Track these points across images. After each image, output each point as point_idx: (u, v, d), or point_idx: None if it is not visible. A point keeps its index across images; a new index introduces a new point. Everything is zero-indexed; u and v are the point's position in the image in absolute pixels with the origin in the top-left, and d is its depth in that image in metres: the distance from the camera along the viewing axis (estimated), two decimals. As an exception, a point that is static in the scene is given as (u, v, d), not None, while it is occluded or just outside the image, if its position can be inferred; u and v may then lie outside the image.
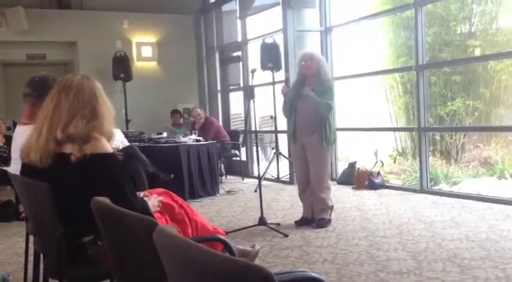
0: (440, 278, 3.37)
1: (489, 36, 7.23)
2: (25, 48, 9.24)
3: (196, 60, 10.30)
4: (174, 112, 9.36)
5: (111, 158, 2.35)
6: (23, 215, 4.96)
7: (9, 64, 9.27)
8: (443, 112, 7.54)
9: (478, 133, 7.60)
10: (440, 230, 4.64)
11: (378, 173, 7.14)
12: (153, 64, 9.92)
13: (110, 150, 2.36)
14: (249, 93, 6.87)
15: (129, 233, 1.67)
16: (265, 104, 8.49)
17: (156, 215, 2.63)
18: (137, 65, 9.69)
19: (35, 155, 2.34)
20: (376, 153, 7.54)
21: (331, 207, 5.09)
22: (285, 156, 7.84)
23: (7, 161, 5.49)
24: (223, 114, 10.17)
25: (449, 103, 7.51)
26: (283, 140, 7.78)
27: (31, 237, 3.07)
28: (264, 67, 7.86)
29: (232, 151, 8.85)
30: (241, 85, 9.52)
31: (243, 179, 8.51)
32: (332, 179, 6.90)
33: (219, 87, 10.15)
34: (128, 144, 6.61)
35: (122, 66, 9.15)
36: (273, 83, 8.01)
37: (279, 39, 8.03)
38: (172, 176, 6.53)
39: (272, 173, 8.08)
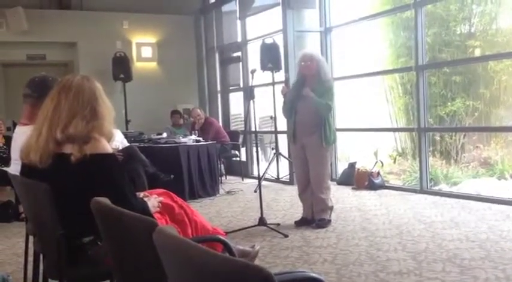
0: (440, 278, 3.37)
1: (489, 36, 7.24)
2: (25, 49, 9.24)
3: (196, 61, 10.30)
4: (174, 113, 9.36)
5: (111, 158, 2.35)
6: (23, 215, 4.96)
7: (9, 64, 9.28)
8: (443, 112, 7.54)
9: (478, 133, 7.60)
10: (440, 230, 4.64)
11: (378, 173, 7.14)
12: (153, 64, 9.92)
13: (110, 150, 2.36)
14: (248, 94, 6.88)
15: (129, 233, 1.68)
16: (265, 104, 8.49)
17: (156, 215, 2.63)
18: (137, 65, 9.69)
19: (35, 156, 2.34)
20: (376, 154, 7.55)
21: (331, 208, 5.09)
22: (284, 157, 7.84)
23: (7, 161, 5.49)
24: (223, 114, 10.17)
25: (449, 103, 7.51)
26: (283, 141, 7.78)
27: (31, 238, 3.07)
28: (263, 67, 7.86)
29: (232, 151, 8.85)
30: (241, 85, 9.53)
31: (242, 180, 8.51)
32: (332, 180, 6.90)
33: (219, 88, 10.15)
34: (128, 144, 6.61)
35: (121, 67, 9.15)
36: (273, 84, 8.01)
37: (279, 39, 8.03)
38: (172, 176, 6.53)
39: (272, 173, 8.08)
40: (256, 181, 6.76)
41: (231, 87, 10.07)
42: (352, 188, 7.16)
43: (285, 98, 5.11)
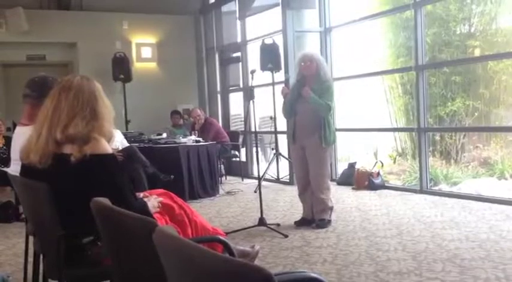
0: (440, 278, 3.37)
1: (489, 36, 7.24)
2: (25, 49, 9.25)
3: (195, 61, 10.31)
4: (174, 113, 9.36)
5: (110, 158, 2.35)
6: (23, 215, 4.96)
7: (9, 65, 9.28)
8: (443, 112, 7.54)
9: (477, 133, 7.60)
10: (440, 230, 4.64)
11: (378, 173, 7.13)
12: (153, 65, 9.92)
13: (110, 150, 2.36)
14: (248, 94, 6.88)
15: (128, 233, 1.67)
16: (264, 104, 8.49)
17: (156, 215, 2.63)
18: (137, 65, 9.69)
19: (35, 156, 2.34)
20: (376, 154, 7.55)
21: (331, 208, 5.09)
22: (284, 157, 7.84)
23: (7, 161, 5.49)
24: (223, 115, 10.18)
25: (449, 103, 7.51)
26: (282, 141, 7.78)
27: (31, 238, 3.07)
28: (263, 68, 7.86)
29: (232, 152, 8.85)
30: (241, 86, 9.53)
31: (242, 180, 8.51)
32: (332, 180, 6.89)
33: (218, 88, 10.15)
34: (128, 145, 6.61)
35: (121, 67, 9.15)
36: (273, 84, 8.01)
37: (279, 39, 8.03)
38: (172, 176, 6.53)
39: (272, 173, 8.08)
40: (256, 181, 6.76)
41: (230, 88, 10.07)
42: (352, 188, 7.16)
43: (285, 98, 5.11)
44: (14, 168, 2.98)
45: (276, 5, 8.18)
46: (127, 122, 9.06)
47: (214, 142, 7.81)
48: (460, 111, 7.44)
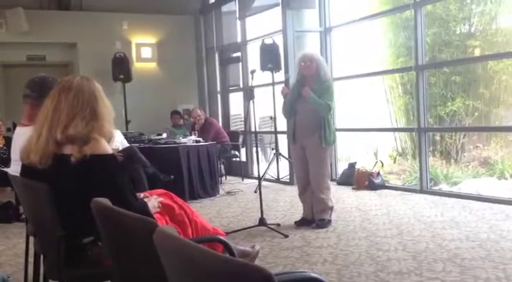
0: (440, 278, 3.37)
1: (489, 36, 7.24)
2: (25, 50, 9.24)
3: (195, 61, 10.31)
4: (174, 113, 9.36)
5: (111, 158, 2.35)
6: (23, 216, 4.96)
7: (9, 65, 9.28)
8: (443, 112, 7.54)
9: (477, 133, 7.60)
10: (440, 230, 4.64)
11: (378, 173, 7.13)
12: (153, 65, 9.93)
13: (110, 151, 2.36)
14: (248, 94, 6.88)
15: (129, 234, 1.67)
16: (264, 104, 8.49)
17: (156, 215, 2.63)
18: (137, 66, 9.69)
19: (35, 156, 2.34)
20: (376, 154, 7.55)
21: (331, 208, 5.09)
22: (284, 157, 7.84)
23: (7, 162, 5.49)
24: (223, 115, 10.18)
25: (449, 103, 7.51)
26: (283, 141, 7.78)
27: (31, 239, 3.07)
28: (263, 68, 7.86)
29: (232, 152, 8.85)
30: (241, 86, 9.53)
31: (242, 180, 8.51)
32: (332, 180, 6.90)
33: (218, 88, 10.15)
34: (128, 145, 6.61)
35: (121, 67, 9.15)
36: (273, 84, 8.01)
37: (279, 39, 8.03)
38: (172, 177, 6.53)
39: (272, 173, 8.08)
40: (256, 181, 6.76)
41: (230, 88, 10.07)
42: (352, 188, 7.16)
43: (285, 98, 5.11)
44: (14, 169, 2.98)
45: (276, 5, 8.18)
46: (127, 122, 9.06)
47: (214, 142, 7.81)
48: (460, 111, 7.44)
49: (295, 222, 5.11)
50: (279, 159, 8.03)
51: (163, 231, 1.28)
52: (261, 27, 8.99)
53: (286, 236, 4.64)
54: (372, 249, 4.11)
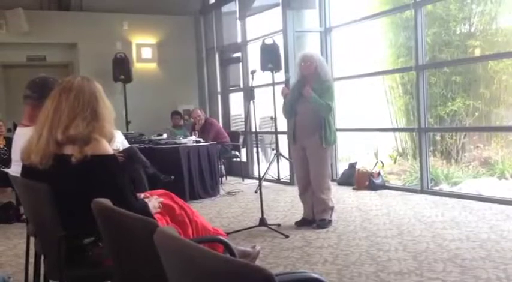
0: (441, 278, 3.37)
1: (489, 36, 7.24)
2: (25, 50, 9.25)
3: (196, 62, 10.31)
4: (174, 113, 9.36)
5: (111, 159, 2.35)
6: (24, 216, 4.96)
7: (9, 66, 9.28)
8: (444, 112, 7.54)
9: (478, 133, 7.60)
10: (440, 230, 4.64)
11: (379, 173, 7.13)
12: (153, 65, 9.93)
13: (111, 151, 2.36)
14: (249, 94, 6.88)
15: (129, 234, 1.68)
16: (265, 105, 8.49)
17: (157, 216, 2.63)
18: (137, 66, 9.69)
19: (36, 157, 2.34)
20: (376, 154, 7.54)
21: (332, 208, 5.09)
22: (285, 157, 7.84)
23: (7, 162, 5.49)
24: (224, 115, 10.18)
25: (449, 103, 7.51)
26: (283, 141, 7.78)
27: (32, 239, 3.07)
28: (263, 68, 7.86)
29: (233, 152, 8.85)
30: (241, 86, 9.53)
31: (243, 180, 8.51)
32: (332, 180, 6.90)
33: (219, 89, 10.16)
34: (128, 145, 6.61)
35: (122, 68, 9.15)
36: (273, 84, 8.01)
37: (279, 40, 8.03)
38: (172, 177, 6.54)
39: (272, 174, 8.08)
40: (256, 182, 6.76)
41: (231, 88, 10.07)
42: (353, 189, 7.15)
43: (285, 98, 5.11)
44: (14, 169, 2.98)
45: (276, 5, 8.18)
46: (127, 122, 9.07)
47: (215, 142, 7.80)
48: (460, 111, 7.44)
49: (296, 223, 5.11)
50: (280, 160, 8.03)
51: (163, 232, 1.28)
52: (261, 27, 8.99)
53: (287, 236, 4.64)
54: (373, 250, 4.11)
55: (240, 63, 9.55)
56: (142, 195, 2.75)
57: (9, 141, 5.97)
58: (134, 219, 1.63)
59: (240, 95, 9.64)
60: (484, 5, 7.34)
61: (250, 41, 9.23)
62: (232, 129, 9.88)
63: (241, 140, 9.02)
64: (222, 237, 2.49)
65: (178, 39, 9.97)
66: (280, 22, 8.04)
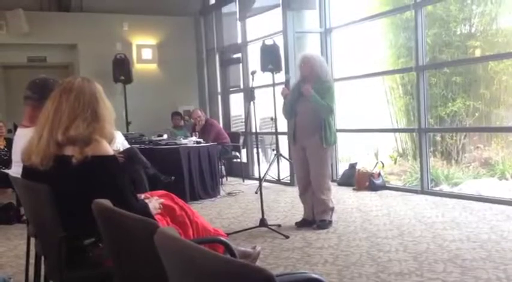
0: (441, 279, 3.37)
1: (489, 37, 7.24)
2: (26, 51, 9.25)
3: (196, 62, 10.31)
4: (175, 114, 9.37)
5: (112, 160, 2.35)
6: (24, 217, 4.96)
7: (9, 67, 9.28)
8: (444, 113, 7.54)
9: (478, 134, 7.60)
10: (441, 230, 4.64)
11: (379, 174, 7.13)
12: (153, 66, 9.93)
13: (111, 152, 2.36)
14: (249, 95, 6.88)
15: (130, 235, 1.68)
16: (265, 105, 8.49)
17: (157, 217, 2.63)
18: (137, 67, 9.70)
19: (36, 158, 2.34)
20: (376, 155, 7.54)
21: (332, 209, 5.09)
22: (285, 158, 7.84)
23: (8, 163, 5.49)
24: (224, 116, 10.18)
25: (449, 104, 7.51)
26: (283, 142, 7.78)
27: (32, 240, 3.08)
28: (264, 69, 7.86)
29: (233, 153, 8.85)
30: (242, 87, 9.53)
31: (243, 181, 8.51)
32: (333, 180, 6.90)
33: (219, 89, 10.16)
34: (129, 146, 6.61)
35: (122, 69, 9.16)
36: (273, 85, 8.01)
37: (279, 40, 8.03)
38: (173, 178, 6.53)
39: (273, 174, 8.08)
40: (257, 182, 6.76)
41: (231, 89, 10.07)
42: (353, 189, 7.15)
43: (285, 99, 5.12)
44: (15, 170, 2.98)
45: (277, 6, 8.18)
46: (128, 123, 9.07)
47: (215, 143, 7.80)
48: (460, 111, 7.44)
49: (296, 223, 5.11)
50: (280, 160, 8.03)
51: (164, 232, 1.28)
52: (261, 28, 9.00)
53: (287, 237, 4.64)
54: (373, 250, 4.11)
55: (240, 64, 9.55)
56: (142, 196, 2.75)
57: (9, 142, 5.97)
58: (134, 220, 1.63)
59: (240, 95, 9.64)
60: (484, 6, 7.34)
61: (251, 41, 9.23)
62: (233, 129, 9.88)
63: (241, 140, 9.02)
64: (222, 238, 2.49)
65: (179, 40, 9.97)
66: (280, 23, 8.04)
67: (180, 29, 10.04)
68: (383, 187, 7.03)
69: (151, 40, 9.86)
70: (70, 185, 2.30)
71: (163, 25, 9.88)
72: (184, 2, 10.05)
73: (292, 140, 5.12)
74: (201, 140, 7.56)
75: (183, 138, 7.51)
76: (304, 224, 5.06)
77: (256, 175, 6.96)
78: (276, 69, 7.88)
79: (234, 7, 9.18)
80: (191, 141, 7.37)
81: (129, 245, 1.73)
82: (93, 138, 2.30)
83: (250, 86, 5.38)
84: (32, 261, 3.10)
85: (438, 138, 7.69)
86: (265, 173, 7.55)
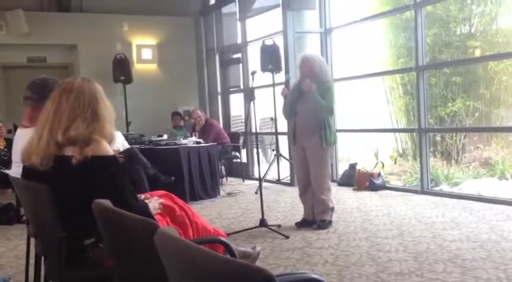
0: (441, 279, 3.37)
1: (489, 37, 7.24)
2: (25, 51, 9.25)
3: (196, 62, 10.31)
4: (175, 114, 9.37)
5: (112, 160, 2.35)
6: (24, 217, 4.96)
7: (9, 67, 9.29)
8: (444, 113, 7.54)
9: (478, 134, 7.60)
10: (441, 230, 4.64)
11: (379, 174, 7.13)
12: (153, 66, 9.93)
13: (111, 152, 2.36)
14: (249, 95, 6.88)
15: (130, 235, 1.68)
16: (265, 105, 8.49)
17: (157, 217, 2.63)
18: (137, 67, 9.70)
19: (36, 158, 2.34)
20: (376, 155, 7.54)
21: (332, 209, 5.09)
22: (285, 158, 7.84)
23: (8, 164, 5.49)
24: (224, 116, 10.18)
25: (449, 104, 7.51)
26: (283, 142, 7.78)
27: (32, 240, 3.07)
28: (264, 69, 7.86)
29: (233, 153, 8.85)
30: (242, 87, 9.53)
31: (243, 181, 8.51)
32: (333, 181, 6.90)
33: (219, 89, 10.16)
34: (129, 146, 6.61)
35: (122, 69, 9.16)
36: (273, 85, 8.01)
37: (279, 41, 8.03)
38: (173, 178, 6.53)
39: (273, 174, 8.08)
40: (257, 182, 6.75)
41: (231, 89, 10.08)
42: (353, 189, 7.15)
43: (285, 99, 5.12)
44: (15, 170, 2.98)
45: (277, 6, 8.18)
46: (128, 123, 9.07)
47: (215, 143, 7.80)
48: (460, 111, 7.44)
49: (296, 223, 5.11)
50: (280, 160, 8.03)
51: (164, 233, 1.28)
52: (261, 28, 9.00)
53: (287, 237, 4.64)
54: (373, 250, 4.11)
55: (240, 64, 9.55)
56: (142, 196, 2.75)
57: (9, 143, 5.97)
58: (134, 220, 1.63)
59: (240, 95, 9.64)
60: (484, 6, 7.34)
61: (251, 41, 9.23)
62: (233, 130, 9.88)
63: (241, 140, 9.02)
64: (222, 238, 2.49)
65: (179, 40, 9.97)
66: (280, 23, 8.04)
67: (180, 29, 10.04)
68: (383, 187, 7.04)
69: (151, 40, 9.86)
70: (70, 185, 2.30)
71: (163, 25, 9.88)
72: (184, 2, 10.05)
73: (292, 140, 5.12)
74: (201, 140, 7.56)
75: (183, 139, 7.51)
76: (304, 224, 5.06)
77: (256, 175, 6.96)
78: (276, 69, 7.88)
79: (234, 7, 9.18)
80: (191, 141, 7.37)
81: (129, 245, 1.73)
82: (93, 139, 2.30)
83: (250, 86, 5.38)
84: (32, 261, 3.10)
85: (438, 138, 7.69)
86: (265, 173, 7.55)
